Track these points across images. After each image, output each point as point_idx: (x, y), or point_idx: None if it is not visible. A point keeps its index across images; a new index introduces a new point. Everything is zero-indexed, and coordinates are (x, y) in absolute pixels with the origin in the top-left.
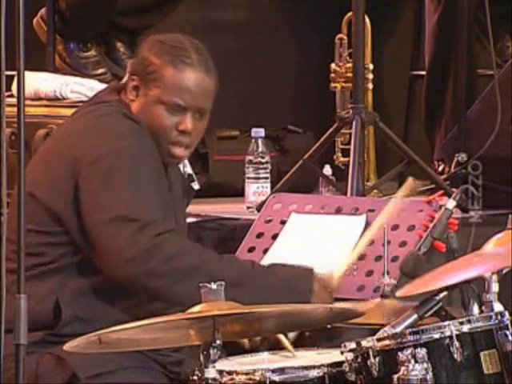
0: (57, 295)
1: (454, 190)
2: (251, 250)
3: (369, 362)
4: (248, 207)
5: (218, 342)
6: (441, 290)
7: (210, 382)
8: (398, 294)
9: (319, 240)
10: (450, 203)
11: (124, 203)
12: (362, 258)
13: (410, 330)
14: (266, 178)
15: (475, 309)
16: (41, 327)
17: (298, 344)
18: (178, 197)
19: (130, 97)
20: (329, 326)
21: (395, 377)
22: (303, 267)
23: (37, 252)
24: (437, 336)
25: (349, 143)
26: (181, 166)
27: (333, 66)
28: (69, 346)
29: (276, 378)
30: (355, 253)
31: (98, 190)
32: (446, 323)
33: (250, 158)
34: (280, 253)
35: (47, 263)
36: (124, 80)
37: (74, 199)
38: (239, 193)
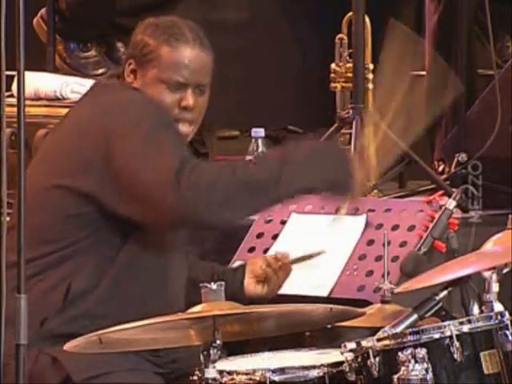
0: (70, 281)
1: (454, 189)
2: (251, 250)
3: (369, 362)
4: None
5: (218, 342)
6: (440, 290)
7: (210, 382)
8: (397, 290)
9: (319, 240)
10: (450, 203)
11: (157, 155)
12: (362, 257)
13: (410, 330)
14: None
15: (475, 309)
16: (48, 315)
17: (297, 344)
18: None
19: (128, 80)
20: (329, 326)
21: (395, 377)
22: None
23: (58, 238)
24: (437, 336)
25: (349, 143)
26: None
27: (333, 66)
28: (69, 346)
29: (276, 378)
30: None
31: (129, 151)
32: (446, 323)
33: (251, 158)
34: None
35: (65, 247)
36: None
37: (107, 172)
38: None
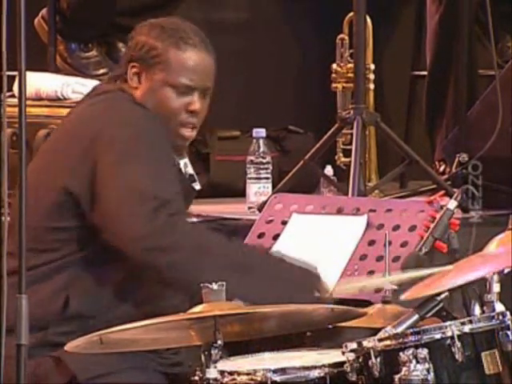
0: (67, 292)
1: (455, 190)
2: None
3: (370, 363)
4: (249, 207)
5: (219, 342)
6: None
7: (211, 382)
8: (403, 297)
9: (320, 240)
10: (452, 203)
11: (143, 180)
12: (363, 258)
13: (412, 330)
14: (267, 178)
15: (477, 309)
16: (47, 325)
17: (299, 344)
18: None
19: (132, 84)
20: (330, 326)
21: (396, 377)
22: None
23: (52, 248)
24: (438, 336)
25: (350, 143)
26: (182, 166)
27: (334, 66)
28: (70, 347)
29: (277, 378)
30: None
31: (117, 167)
32: (448, 323)
33: (251, 158)
34: (281, 253)
35: (58, 259)
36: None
37: (92, 179)
38: (240, 193)
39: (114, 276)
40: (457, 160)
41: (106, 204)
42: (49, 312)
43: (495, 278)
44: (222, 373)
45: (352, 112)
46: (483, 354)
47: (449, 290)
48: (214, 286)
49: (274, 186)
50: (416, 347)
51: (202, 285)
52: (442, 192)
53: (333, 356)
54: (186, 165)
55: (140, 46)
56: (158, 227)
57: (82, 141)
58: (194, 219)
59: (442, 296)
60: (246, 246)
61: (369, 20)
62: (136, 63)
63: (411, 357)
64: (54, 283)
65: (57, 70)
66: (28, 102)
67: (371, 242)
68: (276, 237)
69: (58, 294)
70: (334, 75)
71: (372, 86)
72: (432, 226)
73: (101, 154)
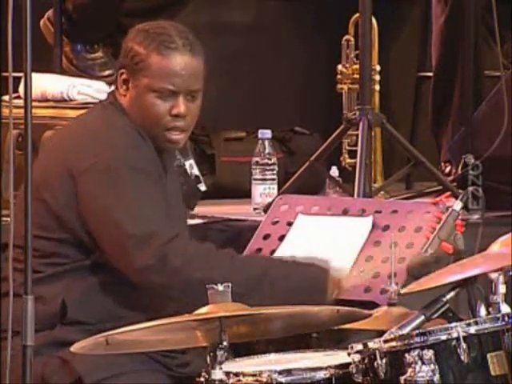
0: (63, 297)
1: (460, 191)
2: (258, 251)
3: (376, 364)
4: (255, 208)
5: (224, 343)
6: (447, 291)
7: (216, 383)
8: (403, 291)
9: (326, 241)
10: (457, 205)
11: (123, 214)
12: (369, 259)
13: (417, 331)
14: (273, 179)
15: (482, 310)
16: (46, 327)
17: (304, 345)
18: (175, 190)
19: (121, 91)
20: (336, 328)
21: (402, 378)
22: (319, 266)
23: (48, 253)
24: (444, 337)
25: (356, 144)
26: (187, 168)
27: (339, 67)
28: (76, 348)
29: (283, 379)
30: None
31: (96, 200)
32: (453, 325)
33: (257, 159)
34: (287, 254)
35: (58, 264)
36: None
37: (75, 205)
38: (246, 194)
39: (113, 285)
40: (462, 161)
41: (95, 238)
42: (45, 315)
43: (501, 279)
44: (227, 374)
45: (358, 113)
46: (489, 355)
47: (451, 289)
48: (220, 287)
49: (279, 187)
50: (422, 348)
51: (207, 286)
52: (448, 193)
53: (338, 357)
54: (191, 166)
55: (126, 52)
56: (146, 265)
57: (61, 164)
58: (200, 220)
59: (448, 297)
60: (248, 261)
61: (374, 21)
62: (124, 70)
63: (417, 358)
64: (52, 289)
65: (62, 72)
66: (34, 104)
67: (377, 243)
68: (282, 238)
69: (56, 298)
70: (339, 76)
71: (378, 87)
72: (438, 227)
73: (80, 184)
